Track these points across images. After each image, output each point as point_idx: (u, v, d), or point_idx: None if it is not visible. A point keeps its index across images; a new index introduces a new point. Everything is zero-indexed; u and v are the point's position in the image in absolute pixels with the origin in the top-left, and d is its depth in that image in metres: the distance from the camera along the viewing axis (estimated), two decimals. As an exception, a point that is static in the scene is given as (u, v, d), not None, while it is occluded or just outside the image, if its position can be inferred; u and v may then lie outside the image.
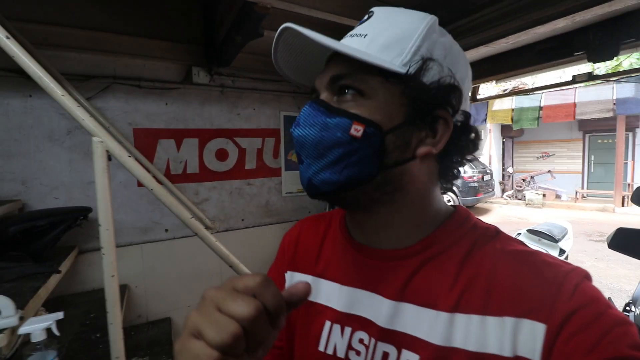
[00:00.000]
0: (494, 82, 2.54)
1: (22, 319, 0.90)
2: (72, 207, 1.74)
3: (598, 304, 0.38)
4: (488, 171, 10.10)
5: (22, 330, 0.89)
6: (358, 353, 0.48)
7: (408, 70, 0.43)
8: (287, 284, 0.61)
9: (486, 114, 7.99)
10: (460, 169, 0.51)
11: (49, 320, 0.95)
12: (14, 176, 1.75)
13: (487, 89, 7.23)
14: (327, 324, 0.52)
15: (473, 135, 0.49)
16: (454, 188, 6.11)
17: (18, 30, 1.60)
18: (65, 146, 1.86)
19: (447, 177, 0.51)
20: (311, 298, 0.54)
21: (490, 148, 12.13)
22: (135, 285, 2.04)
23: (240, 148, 2.37)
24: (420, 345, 0.43)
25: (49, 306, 1.37)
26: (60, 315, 1.01)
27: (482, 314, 0.41)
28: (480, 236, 0.48)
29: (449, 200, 8.31)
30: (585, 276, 0.41)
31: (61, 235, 1.53)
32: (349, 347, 0.49)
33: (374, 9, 0.49)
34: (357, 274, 0.51)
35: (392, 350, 0.45)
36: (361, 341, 0.48)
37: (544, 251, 0.46)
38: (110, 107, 1.95)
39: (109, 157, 1.07)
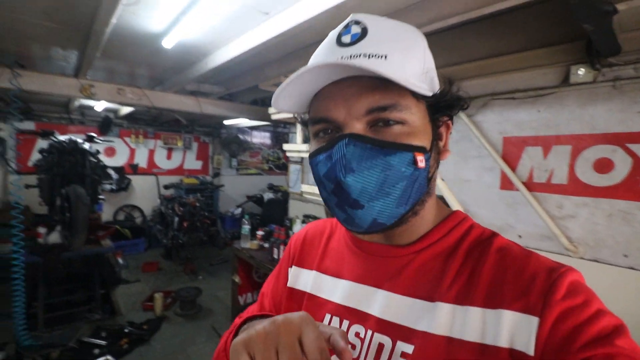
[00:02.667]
0: None
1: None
2: (440, 195, 2.38)
3: (592, 304, 0.39)
4: None
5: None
6: (353, 347, 0.49)
7: (434, 92, 0.45)
8: (290, 278, 0.63)
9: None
10: None
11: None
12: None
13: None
14: (327, 316, 0.53)
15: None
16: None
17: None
18: (453, 151, 2.51)
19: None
20: (314, 292, 0.57)
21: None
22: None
23: (637, 157, 1.73)
24: (414, 335, 0.45)
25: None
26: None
27: (476, 305, 0.43)
28: (475, 235, 0.49)
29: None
30: (578, 277, 0.42)
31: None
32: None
33: (360, 18, 0.45)
34: (357, 269, 0.53)
35: (387, 341, 0.46)
36: (357, 335, 0.49)
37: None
38: (487, 120, 2.31)
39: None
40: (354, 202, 0.43)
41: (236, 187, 7.12)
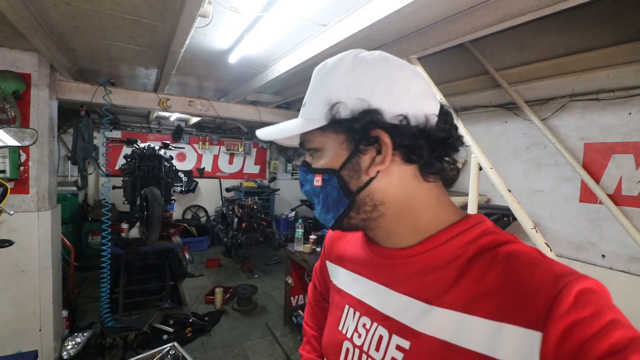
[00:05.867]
0: None
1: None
2: (505, 206, 2.19)
3: (603, 315, 0.35)
4: None
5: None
6: (360, 335, 0.55)
7: (330, 119, 0.49)
8: (328, 270, 0.74)
9: None
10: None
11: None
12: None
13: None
14: (346, 307, 0.61)
15: (435, 127, 0.49)
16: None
17: (501, 76, 2.28)
18: (522, 159, 2.31)
19: (430, 175, 0.51)
20: (338, 285, 0.66)
21: None
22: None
23: None
24: (410, 333, 0.48)
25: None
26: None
27: (478, 315, 0.42)
28: (486, 241, 0.47)
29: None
30: (591, 285, 0.38)
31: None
32: (355, 329, 0.57)
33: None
34: (369, 268, 0.59)
35: (385, 334, 0.51)
36: (364, 325, 0.55)
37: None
38: (565, 124, 2.07)
39: (480, 167, 1.46)
40: (310, 204, 0.58)
41: (291, 191, 7.35)
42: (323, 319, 0.79)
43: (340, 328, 0.60)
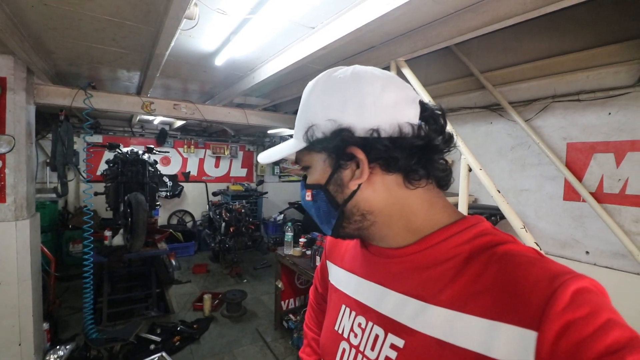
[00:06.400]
0: None
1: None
2: (494, 206, 2.23)
3: (599, 315, 0.35)
4: None
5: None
6: (356, 335, 0.56)
7: (307, 141, 0.53)
8: (328, 270, 0.75)
9: None
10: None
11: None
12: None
13: None
14: (343, 307, 0.62)
15: (412, 134, 0.49)
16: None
17: (486, 78, 2.32)
18: (508, 159, 2.36)
19: (414, 182, 0.51)
20: (335, 284, 0.68)
21: None
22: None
23: None
24: (405, 331, 0.49)
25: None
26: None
27: (473, 314, 0.42)
28: (483, 242, 0.47)
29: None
30: (588, 284, 0.38)
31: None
32: (351, 329, 0.58)
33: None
34: (365, 267, 0.61)
35: (381, 333, 0.52)
36: (359, 325, 0.56)
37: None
38: (548, 125, 2.13)
39: (469, 169, 1.48)
40: (298, 207, 0.64)
41: (279, 194, 7.30)
42: (324, 321, 0.79)
43: (336, 328, 0.61)
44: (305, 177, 0.60)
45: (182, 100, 3.25)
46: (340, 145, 0.50)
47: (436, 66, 2.74)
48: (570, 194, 2.02)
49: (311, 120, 0.53)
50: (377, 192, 0.52)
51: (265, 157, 0.61)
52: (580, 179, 1.97)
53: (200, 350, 3.01)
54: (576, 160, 2.00)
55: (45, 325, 2.68)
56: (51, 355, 2.57)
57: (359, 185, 0.51)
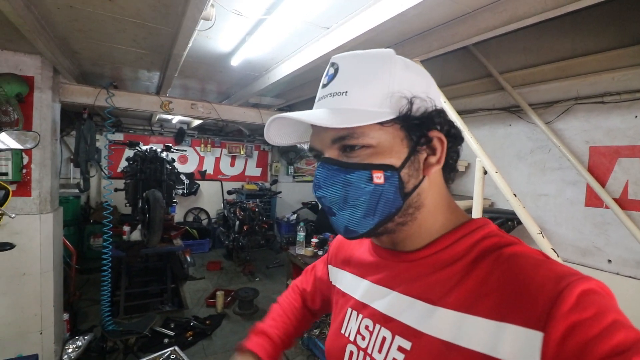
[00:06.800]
0: None
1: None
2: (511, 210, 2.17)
3: (605, 316, 0.35)
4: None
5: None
6: (363, 338, 0.55)
7: (399, 114, 0.47)
8: (330, 275, 0.73)
9: None
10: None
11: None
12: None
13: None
14: (349, 310, 0.60)
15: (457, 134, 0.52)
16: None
17: (505, 79, 2.26)
18: (527, 163, 2.29)
19: (450, 177, 0.55)
20: (342, 289, 0.66)
21: None
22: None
23: None
24: (413, 334, 0.48)
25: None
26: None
27: (480, 315, 0.42)
28: (489, 244, 0.48)
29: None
30: (594, 286, 0.38)
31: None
32: (358, 331, 0.57)
33: (335, 60, 0.52)
34: (374, 271, 0.59)
35: (388, 335, 0.51)
36: (367, 327, 0.55)
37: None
38: (570, 128, 2.05)
39: (485, 171, 1.44)
40: (328, 210, 0.51)
41: (292, 194, 7.34)
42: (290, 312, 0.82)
43: (343, 331, 0.60)
44: (330, 160, 0.50)
45: (199, 100, 3.32)
46: (428, 126, 0.49)
47: (453, 66, 2.69)
48: (592, 200, 1.94)
49: (405, 92, 0.47)
50: (431, 185, 0.51)
51: (306, 116, 0.47)
52: (603, 184, 1.89)
53: (212, 346, 3.06)
54: (599, 164, 1.92)
55: (66, 316, 2.79)
56: (70, 345, 2.67)
57: (430, 173, 0.50)
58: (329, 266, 0.74)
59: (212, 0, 1.49)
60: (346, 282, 0.65)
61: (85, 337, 2.78)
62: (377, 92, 0.48)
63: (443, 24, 1.67)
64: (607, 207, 1.85)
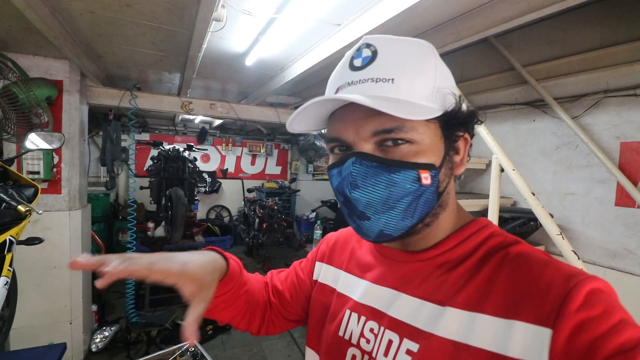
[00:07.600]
0: None
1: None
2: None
3: (612, 315, 0.36)
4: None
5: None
6: (368, 341, 0.53)
7: (445, 111, 0.45)
8: (315, 271, 0.70)
9: None
10: None
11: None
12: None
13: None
14: (347, 312, 0.58)
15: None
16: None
17: (529, 72, 2.16)
18: (552, 160, 2.17)
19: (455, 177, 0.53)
20: (340, 290, 0.62)
21: None
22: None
23: None
24: (421, 335, 0.46)
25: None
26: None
27: (488, 313, 0.42)
28: (495, 243, 0.48)
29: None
30: (600, 285, 0.38)
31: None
32: (361, 334, 0.54)
33: (371, 41, 0.47)
34: (377, 272, 0.57)
35: (395, 338, 0.49)
36: (371, 330, 0.53)
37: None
38: (599, 122, 1.93)
39: (501, 169, 1.38)
40: (361, 214, 0.46)
41: (312, 192, 7.36)
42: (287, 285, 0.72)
43: (341, 334, 0.57)
44: (369, 156, 0.44)
45: (218, 100, 3.39)
46: (465, 125, 0.48)
47: (473, 60, 2.59)
48: (624, 199, 1.81)
49: (446, 87, 0.46)
50: (451, 186, 0.50)
51: (382, 105, 0.40)
52: (635, 182, 1.76)
53: (230, 341, 3.14)
54: (631, 161, 1.79)
55: (94, 307, 2.95)
56: (98, 335, 2.82)
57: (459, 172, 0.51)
58: (317, 263, 0.71)
59: (223, 1, 1.51)
60: (343, 282, 0.63)
61: (112, 328, 2.93)
62: (426, 85, 0.45)
63: (458, 17, 1.61)
64: (639, 207, 1.72)
